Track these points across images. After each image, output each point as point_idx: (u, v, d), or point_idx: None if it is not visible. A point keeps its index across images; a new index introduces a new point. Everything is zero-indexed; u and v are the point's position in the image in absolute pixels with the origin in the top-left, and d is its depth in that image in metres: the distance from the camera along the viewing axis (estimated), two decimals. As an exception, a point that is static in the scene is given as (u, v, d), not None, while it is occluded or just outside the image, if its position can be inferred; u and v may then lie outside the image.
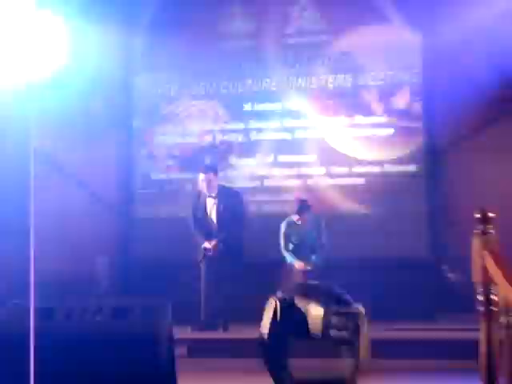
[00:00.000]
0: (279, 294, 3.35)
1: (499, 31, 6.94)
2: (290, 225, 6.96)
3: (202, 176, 6.67)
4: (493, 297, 2.94)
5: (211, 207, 6.71)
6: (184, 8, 8.12)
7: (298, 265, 6.79)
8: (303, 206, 6.94)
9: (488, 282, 2.96)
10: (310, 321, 3.13)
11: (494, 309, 2.92)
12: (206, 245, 6.53)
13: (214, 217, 6.73)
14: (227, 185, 7.12)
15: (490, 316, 2.93)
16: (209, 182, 6.63)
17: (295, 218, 6.87)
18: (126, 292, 7.83)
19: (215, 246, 6.53)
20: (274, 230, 7.14)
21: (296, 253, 6.91)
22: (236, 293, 6.43)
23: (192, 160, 8.12)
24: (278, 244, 7.03)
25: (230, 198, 6.75)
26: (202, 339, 6.27)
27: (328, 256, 6.80)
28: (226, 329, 6.51)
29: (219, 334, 6.43)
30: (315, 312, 3.13)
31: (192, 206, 6.89)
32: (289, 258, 6.93)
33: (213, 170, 6.71)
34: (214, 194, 6.66)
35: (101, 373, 2.94)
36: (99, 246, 7.95)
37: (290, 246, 6.99)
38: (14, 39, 4.14)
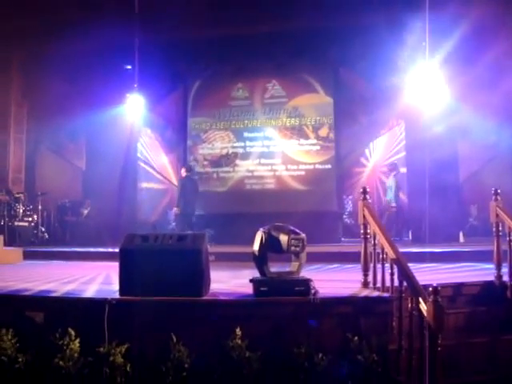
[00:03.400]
0: (264, 228, 3.85)
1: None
2: None
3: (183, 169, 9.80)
4: (368, 230, 4.04)
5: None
6: (212, 82, 12.03)
7: None
8: None
9: (366, 223, 4.08)
10: (280, 242, 3.75)
11: (368, 236, 4.04)
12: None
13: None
14: (193, 177, 10.06)
15: (366, 239, 4.08)
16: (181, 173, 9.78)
17: None
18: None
19: (176, 211, 9.88)
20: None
21: None
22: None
23: (216, 162, 11.83)
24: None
25: (189, 183, 9.79)
26: (225, 251, 7.79)
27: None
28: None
29: (233, 248, 8.06)
30: (283, 238, 3.76)
31: None
32: None
33: (184, 166, 10.06)
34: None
35: (171, 267, 3.76)
36: (169, 204, 12.03)
37: None
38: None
